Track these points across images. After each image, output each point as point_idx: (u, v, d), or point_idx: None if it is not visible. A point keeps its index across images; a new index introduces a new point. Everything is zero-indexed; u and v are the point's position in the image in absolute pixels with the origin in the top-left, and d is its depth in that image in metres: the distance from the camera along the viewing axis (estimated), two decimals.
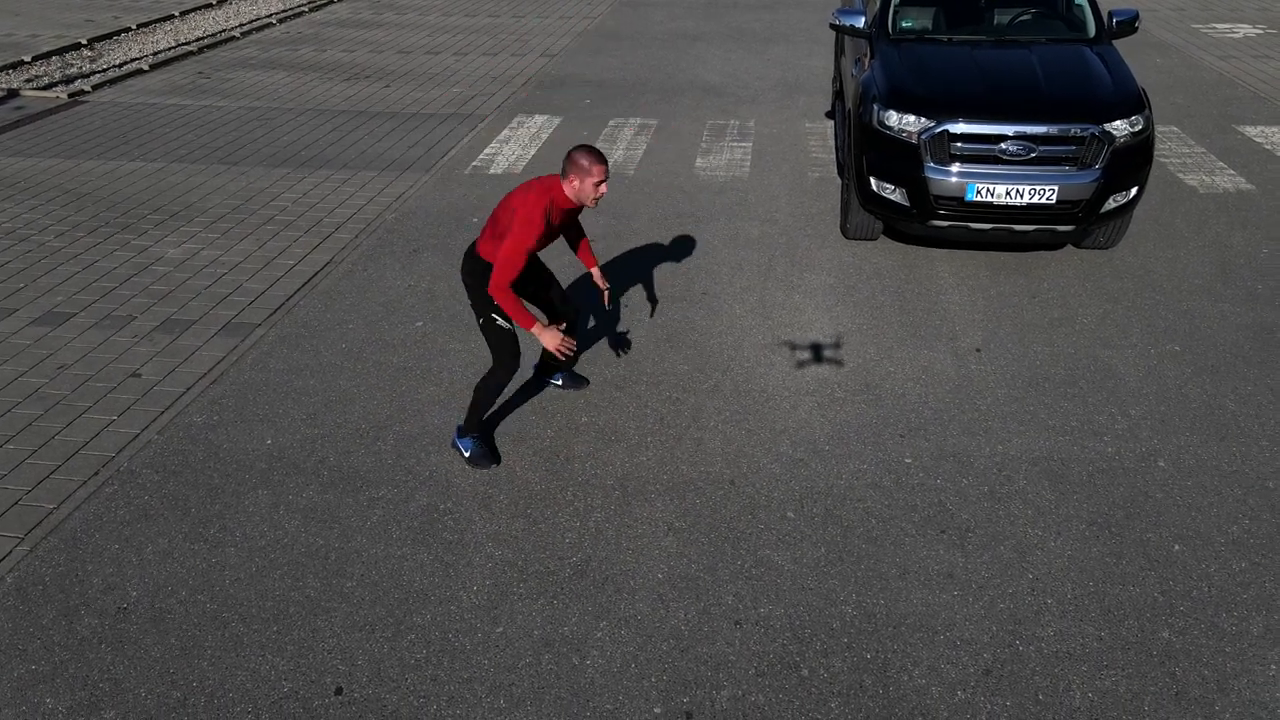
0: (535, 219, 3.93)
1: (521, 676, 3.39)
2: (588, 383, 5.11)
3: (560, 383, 5.07)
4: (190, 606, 3.68)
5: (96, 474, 4.41)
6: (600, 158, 3.96)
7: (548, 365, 5.04)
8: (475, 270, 4.22)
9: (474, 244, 4.27)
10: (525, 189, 4.07)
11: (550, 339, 4.07)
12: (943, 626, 3.58)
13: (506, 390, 4.91)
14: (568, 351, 4.11)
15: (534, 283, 4.54)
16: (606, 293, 4.70)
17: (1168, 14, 13.98)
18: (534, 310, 5.23)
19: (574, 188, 4.00)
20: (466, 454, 4.49)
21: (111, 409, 4.89)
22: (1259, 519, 4.10)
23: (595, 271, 4.64)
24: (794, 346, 5.46)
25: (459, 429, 4.53)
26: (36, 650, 3.50)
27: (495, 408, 4.89)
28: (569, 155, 3.96)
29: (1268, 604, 3.66)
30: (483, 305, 4.25)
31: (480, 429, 4.53)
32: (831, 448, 4.58)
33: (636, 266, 6.43)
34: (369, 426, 4.76)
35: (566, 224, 4.31)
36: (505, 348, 4.31)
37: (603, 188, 4.02)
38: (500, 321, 4.26)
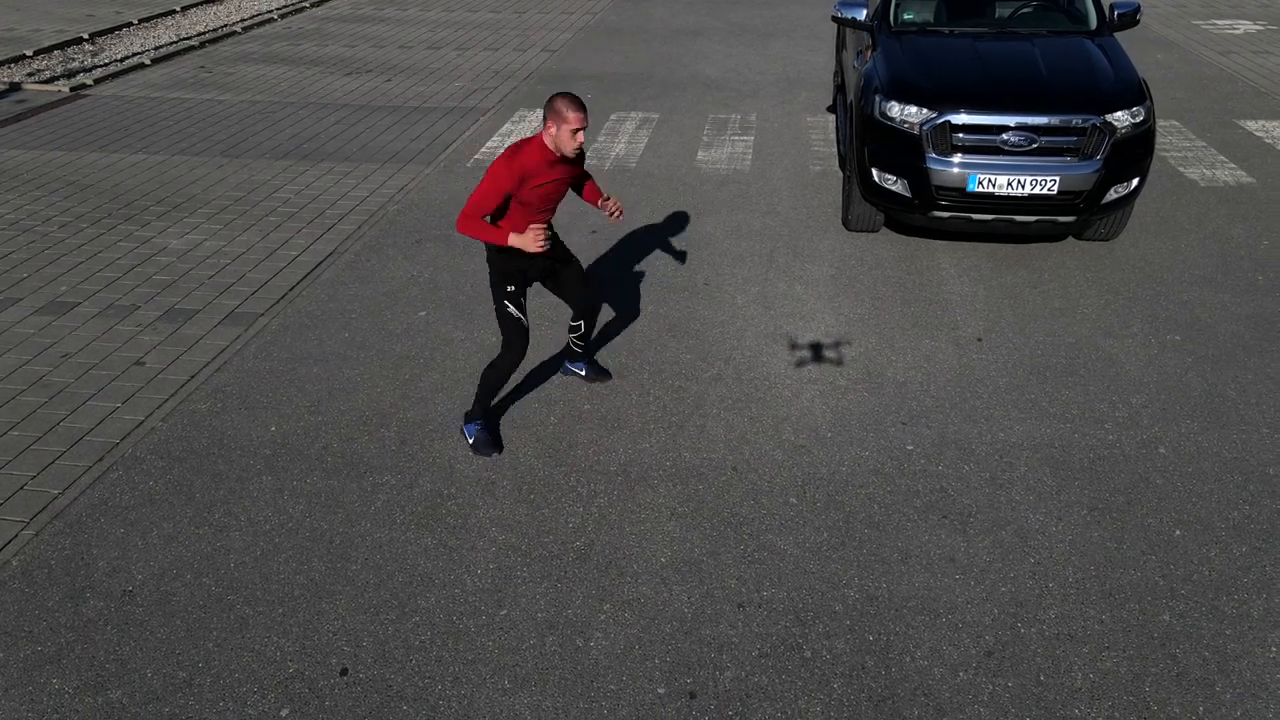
0: (500, 174, 3.88)
1: (525, 658, 3.41)
2: (609, 375, 5.06)
3: (583, 373, 5.04)
4: (195, 589, 3.70)
5: (101, 460, 4.43)
6: (579, 105, 3.85)
7: (573, 353, 4.97)
8: (489, 253, 4.26)
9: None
10: (513, 148, 4.00)
11: (523, 240, 3.93)
12: (945, 609, 3.59)
13: (515, 378, 4.94)
14: (542, 245, 3.93)
15: (553, 278, 4.50)
16: (611, 208, 4.31)
17: (1168, 10, 13.99)
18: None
19: (551, 135, 3.91)
20: (470, 440, 4.51)
21: (116, 396, 4.90)
22: (1259, 504, 4.12)
23: (600, 200, 4.41)
24: (795, 336, 5.48)
25: (466, 414, 4.56)
26: (42, 632, 3.51)
27: (502, 395, 4.90)
28: (550, 101, 3.88)
29: (1268, 587, 3.68)
30: (496, 291, 4.29)
31: (485, 415, 4.55)
32: (833, 435, 4.60)
33: (639, 258, 6.45)
34: (372, 414, 4.77)
35: (561, 179, 4.11)
36: (513, 332, 4.33)
37: (579, 136, 3.91)
38: (510, 309, 4.28)
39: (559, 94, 3.91)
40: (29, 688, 3.29)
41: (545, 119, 3.91)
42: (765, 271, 6.24)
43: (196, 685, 3.30)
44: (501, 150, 7.85)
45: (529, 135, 4.06)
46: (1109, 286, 6.02)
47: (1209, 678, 3.31)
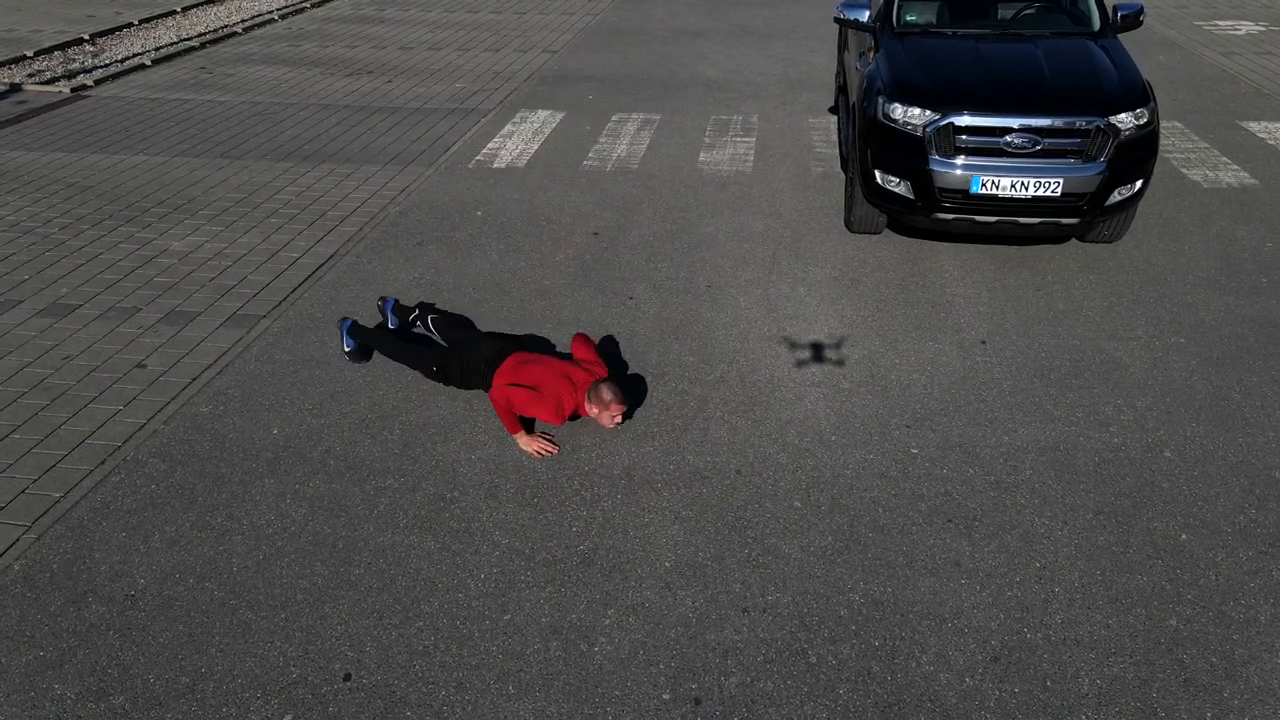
0: (564, 406, 4.41)
1: (530, 663, 3.40)
2: (359, 358, 5.26)
3: (349, 349, 5.26)
4: (198, 594, 3.68)
5: (103, 463, 4.41)
6: (621, 401, 4.38)
7: (404, 310, 5.40)
8: (481, 372, 4.71)
9: (497, 366, 4.66)
10: (572, 372, 4.52)
11: (529, 444, 4.48)
12: (950, 614, 3.58)
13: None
14: (547, 454, 4.48)
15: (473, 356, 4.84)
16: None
17: (1170, 11, 13.98)
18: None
19: (593, 412, 4.44)
20: (346, 349, 5.18)
21: (117, 399, 4.88)
22: (1266, 508, 4.10)
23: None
24: (799, 338, 5.46)
25: (356, 324, 5.17)
26: (44, 637, 3.50)
27: None
28: (599, 386, 4.38)
29: (1275, 592, 3.66)
30: (462, 369, 4.80)
31: (364, 339, 5.15)
32: (837, 438, 4.59)
33: (641, 260, 6.43)
34: (375, 417, 4.76)
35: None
36: (441, 372, 4.85)
37: (615, 421, 4.43)
38: (432, 370, 4.87)
39: (610, 386, 4.37)
40: (31, 693, 3.28)
41: (590, 397, 4.39)
42: (768, 274, 6.23)
43: (199, 691, 3.28)
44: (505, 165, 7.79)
45: (589, 371, 4.62)
46: (1113, 289, 6.01)
47: (1217, 683, 3.29)
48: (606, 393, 4.37)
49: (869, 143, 6.27)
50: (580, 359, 4.71)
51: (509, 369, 4.60)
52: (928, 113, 5.98)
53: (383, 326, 5.40)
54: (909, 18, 7.07)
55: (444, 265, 6.33)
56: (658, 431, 4.65)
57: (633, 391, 4.95)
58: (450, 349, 4.91)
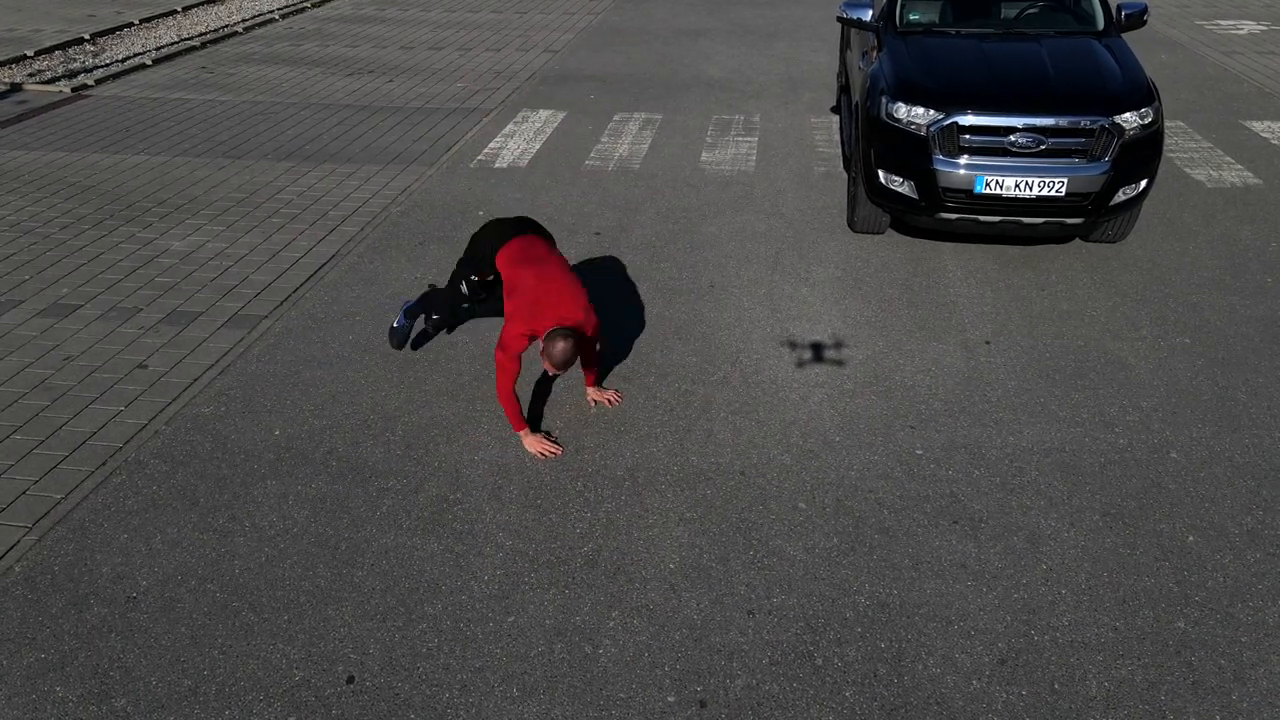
0: (520, 337, 4.20)
1: (534, 665, 3.38)
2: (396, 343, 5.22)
3: (396, 323, 5.20)
4: (200, 595, 3.67)
5: (104, 464, 4.39)
6: (559, 369, 4.15)
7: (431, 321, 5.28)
8: (488, 257, 4.57)
9: (499, 249, 4.55)
10: (546, 301, 4.24)
11: (533, 445, 4.43)
12: (957, 616, 3.56)
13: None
14: (550, 455, 4.44)
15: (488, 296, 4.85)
16: (605, 398, 4.84)
17: (1172, 11, 13.96)
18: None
19: (541, 349, 4.19)
20: (395, 324, 5.16)
21: (119, 400, 4.87)
22: (1273, 509, 4.08)
23: (591, 390, 4.84)
24: (802, 339, 5.44)
25: (411, 307, 5.13)
26: (46, 639, 3.48)
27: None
28: (555, 337, 4.10)
29: None
30: (462, 269, 4.78)
31: (415, 317, 5.16)
32: (842, 439, 4.57)
33: (643, 260, 6.41)
34: (377, 418, 4.74)
35: None
36: (454, 300, 4.89)
37: (550, 370, 4.22)
38: (463, 286, 4.82)
39: (561, 346, 4.08)
40: (32, 695, 3.26)
41: (545, 339, 4.14)
42: (771, 274, 6.21)
43: (202, 693, 3.27)
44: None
45: (561, 292, 4.33)
46: (1117, 289, 5.99)
47: (1225, 686, 3.27)
48: (556, 352, 4.08)
49: (872, 142, 6.25)
50: (573, 294, 4.32)
51: (507, 261, 4.43)
52: (931, 112, 5.96)
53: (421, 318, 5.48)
54: (912, 17, 7.05)
55: (446, 265, 6.31)
56: (661, 432, 4.63)
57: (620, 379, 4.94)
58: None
